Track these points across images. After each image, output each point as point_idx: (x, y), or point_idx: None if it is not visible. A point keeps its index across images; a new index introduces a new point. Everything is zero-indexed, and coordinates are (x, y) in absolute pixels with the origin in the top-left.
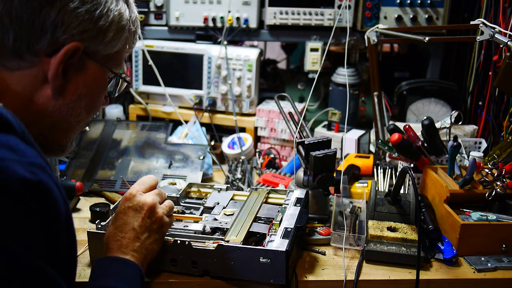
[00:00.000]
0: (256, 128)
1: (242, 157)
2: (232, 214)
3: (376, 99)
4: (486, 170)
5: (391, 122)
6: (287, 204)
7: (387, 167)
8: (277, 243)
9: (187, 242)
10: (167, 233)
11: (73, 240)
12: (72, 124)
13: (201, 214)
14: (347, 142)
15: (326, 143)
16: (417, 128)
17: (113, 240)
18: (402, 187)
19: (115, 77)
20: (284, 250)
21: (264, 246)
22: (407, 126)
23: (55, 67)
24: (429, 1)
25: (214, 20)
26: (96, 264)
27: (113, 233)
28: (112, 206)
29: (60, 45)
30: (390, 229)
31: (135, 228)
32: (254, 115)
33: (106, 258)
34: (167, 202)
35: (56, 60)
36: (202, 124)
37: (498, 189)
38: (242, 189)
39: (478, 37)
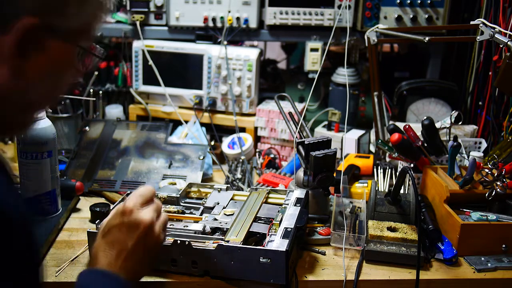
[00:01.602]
0: (256, 128)
1: (242, 157)
2: (232, 214)
3: (376, 99)
4: (486, 170)
5: (391, 122)
6: (287, 204)
7: (387, 167)
8: (277, 243)
9: (187, 242)
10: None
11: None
12: (36, 104)
13: (201, 214)
14: (347, 142)
15: (326, 143)
16: (417, 128)
17: (103, 254)
18: (402, 187)
19: (84, 52)
20: (284, 250)
21: (264, 246)
22: (407, 126)
23: (9, 47)
24: (429, 1)
25: (214, 20)
26: (83, 276)
27: (103, 247)
28: (112, 206)
29: (12, 21)
30: (390, 229)
31: (128, 247)
32: (254, 115)
33: (94, 271)
34: (162, 217)
35: (9, 38)
36: (202, 124)
37: (498, 189)
38: (242, 189)
39: (478, 37)
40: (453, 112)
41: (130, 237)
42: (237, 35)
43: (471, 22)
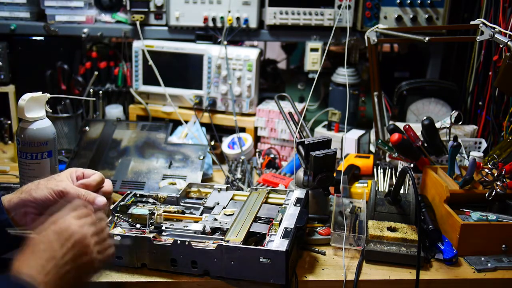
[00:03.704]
0: (256, 128)
1: (242, 157)
2: (232, 214)
3: (376, 99)
4: (486, 170)
5: (391, 122)
6: (287, 204)
7: (387, 167)
8: (277, 243)
9: (187, 242)
10: (165, 233)
11: None
12: None
13: (201, 214)
14: (347, 142)
15: (326, 143)
16: (417, 128)
17: (25, 264)
18: (402, 187)
19: None
20: (284, 250)
21: (264, 246)
22: (407, 126)
23: None
24: (429, 1)
25: (214, 20)
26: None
27: (29, 258)
28: (112, 207)
29: None
30: (390, 229)
31: (56, 257)
32: (254, 115)
33: (13, 280)
34: (102, 235)
35: None
36: (202, 124)
37: (498, 189)
38: (242, 189)
39: (478, 37)
40: (453, 112)
41: (60, 248)
42: (237, 35)
43: (471, 22)
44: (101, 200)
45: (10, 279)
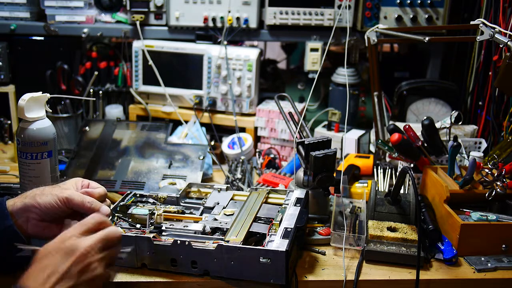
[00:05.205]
0: (256, 128)
1: (242, 157)
2: (232, 214)
3: (376, 99)
4: (486, 170)
5: (391, 122)
6: (287, 204)
7: (387, 167)
8: (277, 243)
9: (187, 242)
10: (165, 233)
11: None
12: None
13: (201, 214)
14: (347, 142)
15: (326, 143)
16: (417, 128)
17: (32, 276)
18: (402, 187)
19: None
20: (284, 250)
21: (264, 246)
22: (407, 126)
23: None
24: (429, 1)
25: (214, 20)
26: None
27: (36, 269)
28: (112, 207)
29: None
30: (390, 229)
31: (59, 271)
32: (254, 115)
33: None
34: (110, 251)
35: None
36: (202, 124)
37: (498, 189)
38: (242, 189)
39: (478, 37)
40: (453, 112)
41: (62, 263)
42: (237, 35)
43: (471, 22)
44: (106, 209)
45: None
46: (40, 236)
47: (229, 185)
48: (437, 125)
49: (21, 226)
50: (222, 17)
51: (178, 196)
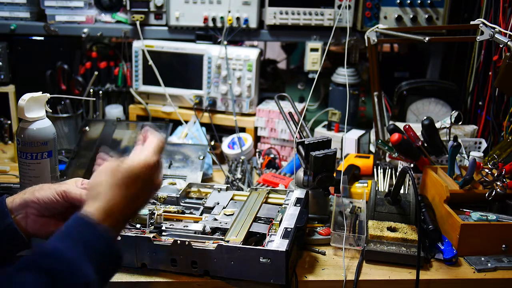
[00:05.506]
0: (256, 128)
1: (242, 157)
2: (232, 214)
3: (376, 99)
4: (486, 170)
5: (391, 122)
6: (287, 204)
7: (387, 167)
8: (277, 243)
9: (187, 242)
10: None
11: None
12: None
13: (201, 214)
14: (347, 142)
15: (326, 143)
16: (417, 128)
17: (104, 199)
18: (402, 187)
19: None
20: (284, 250)
21: (264, 246)
22: (407, 126)
23: None
24: (429, 1)
25: (214, 20)
26: (72, 221)
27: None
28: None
29: None
30: (390, 229)
31: (138, 194)
32: (254, 115)
33: (84, 220)
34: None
35: None
36: (202, 124)
37: (498, 189)
38: (242, 189)
39: (478, 37)
40: (453, 112)
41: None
42: (237, 35)
43: (471, 22)
44: None
45: (76, 216)
46: (38, 233)
47: (229, 185)
48: (437, 125)
49: (20, 223)
50: (222, 17)
51: (178, 196)
